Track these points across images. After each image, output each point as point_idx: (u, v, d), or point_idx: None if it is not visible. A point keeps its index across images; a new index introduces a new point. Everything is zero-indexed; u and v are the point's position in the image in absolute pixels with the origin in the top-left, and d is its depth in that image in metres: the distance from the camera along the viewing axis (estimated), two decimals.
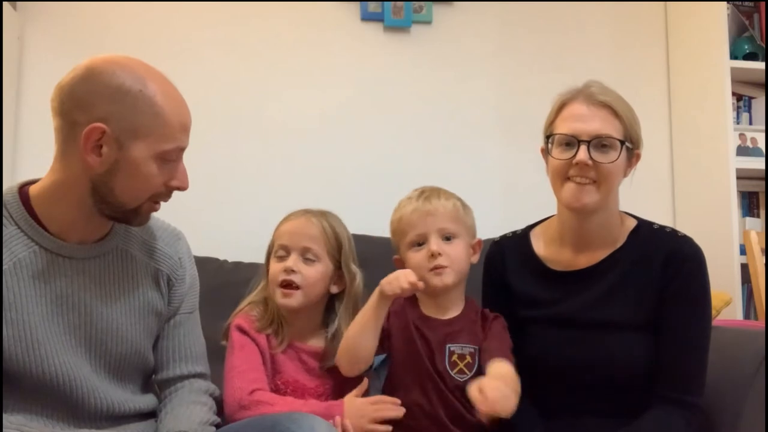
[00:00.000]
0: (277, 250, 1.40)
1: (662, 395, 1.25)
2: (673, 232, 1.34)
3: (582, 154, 1.26)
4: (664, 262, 1.29)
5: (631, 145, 1.30)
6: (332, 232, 1.43)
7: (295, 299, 1.36)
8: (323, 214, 1.45)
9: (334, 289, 1.42)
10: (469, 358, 1.30)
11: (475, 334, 1.33)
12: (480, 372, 1.24)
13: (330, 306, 1.44)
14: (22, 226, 1.10)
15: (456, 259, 1.32)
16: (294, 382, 1.37)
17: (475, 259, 1.39)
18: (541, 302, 1.36)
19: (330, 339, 1.40)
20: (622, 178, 1.32)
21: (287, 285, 1.36)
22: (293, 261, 1.37)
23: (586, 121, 1.28)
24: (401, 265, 1.36)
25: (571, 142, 1.28)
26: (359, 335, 1.27)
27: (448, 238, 1.33)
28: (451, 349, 1.30)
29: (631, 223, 1.37)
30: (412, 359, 1.30)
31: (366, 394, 1.35)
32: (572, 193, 1.29)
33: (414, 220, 1.33)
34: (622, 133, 1.28)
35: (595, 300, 1.31)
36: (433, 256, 1.30)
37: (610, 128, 1.28)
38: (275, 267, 1.38)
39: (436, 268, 1.30)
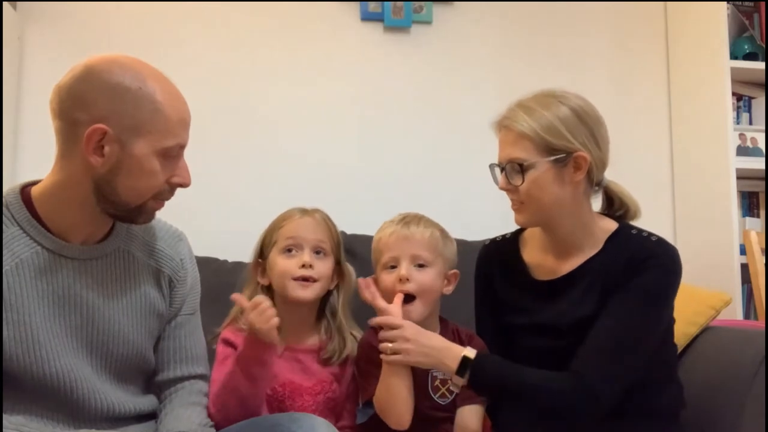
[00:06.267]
0: (285, 246, 1.40)
1: (569, 365, 1.23)
2: (649, 237, 1.31)
3: (500, 180, 1.33)
4: (627, 261, 1.26)
5: (560, 156, 1.25)
6: (334, 228, 1.46)
7: (312, 291, 1.38)
8: (321, 211, 1.47)
9: (331, 285, 1.44)
10: (450, 383, 1.34)
11: None
12: (458, 396, 1.32)
13: (322, 302, 1.45)
14: (24, 226, 1.09)
15: (425, 286, 1.32)
16: (290, 383, 1.37)
17: (449, 290, 1.39)
18: (523, 310, 1.37)
19: (327, 333, 1.43)
20: (568, 188, 1.28)
21: (305, 279, 1.37)
22: (309, 256, 1.38)
23: (501, 147, 1.32)
24: (376, 285, 1.37)
25: (499, 168, 1.33)
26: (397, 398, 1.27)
27: (420, 266, 1.34)
28: (434, 374, 1.35)
29: (611, 228, 1.34)
30: None
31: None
32: (514, 213, 1.35)
33: (390, 243, 1.35)
34: (533, 150, 1.26)
35: (568, 307, 1.31)
36: (401, 281, 1.31)
37: (517, 151, 1.27)
38: (287, 263, 1.38)
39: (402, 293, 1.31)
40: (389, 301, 1.32)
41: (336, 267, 1.44)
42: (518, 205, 1.32)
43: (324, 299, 1.45)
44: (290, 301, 1.38)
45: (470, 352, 1.24)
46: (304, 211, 1.45)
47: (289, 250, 1.39)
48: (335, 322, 1.43)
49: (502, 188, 1.33)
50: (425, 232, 1.35)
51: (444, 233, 1.39)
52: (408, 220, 1.37)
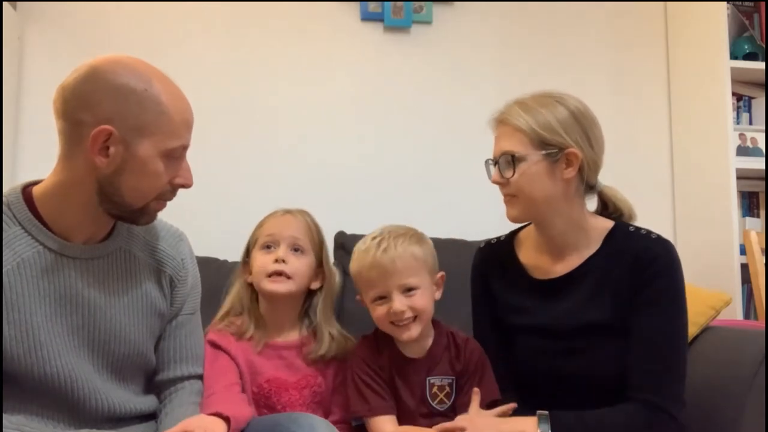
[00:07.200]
0: (264, 242, 1.41)
1: (629, 396, 1.24)
2: (647, 234, 1.33)
3: (492, 174, 1.34)
4: (633, 263, 1.28)
5: (552, 150, 1.27)
6: (315, 228, 1.46)
7: (284, 286, 1.37)
8: (304, 212, 1.47)
9: (314, 285, 1.44)
10: (447, 389, 1.35)
11: (451, 364, 1.36)
12: (456, 401, 1.33)
13: (306, 302, 1.45)
14: (26, 226, 1.10)
15: (421, 309, 1.31)
16: (275, 379, 1.37)
17: (438, 294, 1.37)
18: (523, 310, 1.37)
19: (308, 332, 1.43)
20: (559, 184, 1.29)
21: (278, 274, 1.37)
22: (283, 251, 1.39)
23: (496, 142, 1.35)
24: (364, 303, 1.37)
25: (493, 162, 1.35)
26: None
27: (409, 290, 1.31)
28: (431, 381, 1.34)
29: (607, 227, 1.35)
30: (396, 399, 1.33)
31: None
32: (505, 208, 1.35)
33: (373, 278, 1.31)
34: (527, 144, 1.28)
35: (573, 307, 1.31)
36: (396, 314, 1.29)
37: (511, 144, 1.29)
38: (263, 258, 1.39)
39: (400, 322, 1.30)
40: (385, 327, 1.33)
41: (317, 268, 1.44)
42: (509, 198, 1.33)
43: (308, 298, 1.45)
44: (265, 295, 1.39)
45: (542, 413, 1.22)
46: (287, 211, 1.46)
47: (268, 247, 1.40)
48: (315, 321, 1.43)
49: (494, 181, 1.34)
50: (404, 256, 1.30)
51: (419, 239, 1.36)
52: (384, 245, 1.31)
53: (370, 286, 1.32)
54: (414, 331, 1.31)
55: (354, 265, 1.36)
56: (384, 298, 1.32)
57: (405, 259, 1.30)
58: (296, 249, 1.40)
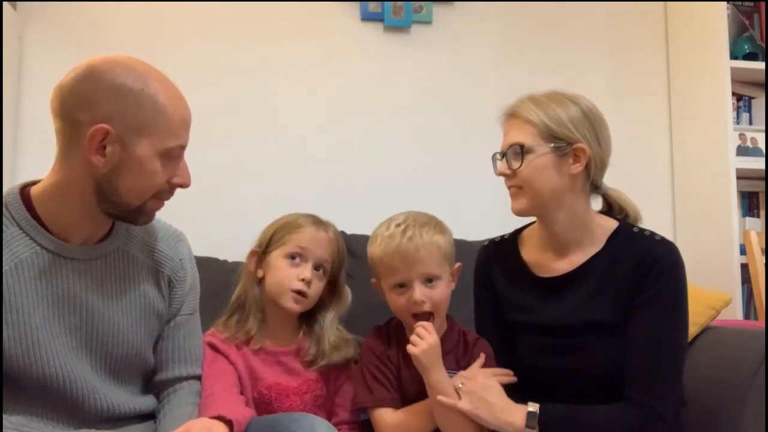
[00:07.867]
0: (291, 252, 1.39)
1: (625, 395, 1.25)
2: (651, 235, 1.33)
3: (499, 166, 1.35)
4: (636, 264, 1.28)
5: (561, 144, 1.29)
6: (342, 251, 1.47)
7: (302, 305, 1.39)
8: (334, 228, 1.47)
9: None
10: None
11: (457, 360, 1.36)
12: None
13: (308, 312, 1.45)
14: (24, 227, 1.10)
15: (439, 301, 1.32)
16: (276, 385, 1.37)
17: (453, 285, 1.37)
18: (525, 308, 1.38)
19: (307, 336, 1.43)
20: (566, 179, 1.30)
21: (300, 294, 1.38)
22: (309, 271, 1.39)
23: (505, 134, 1.36)
24: (380, 287, 1.38)
25: (500, 155, 1.36)
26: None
27: (430, 280, 1.31)
28: None
29: (611, 227, 1.36)
30: (401, 391, 1.34)
31: None
32: (510, 201, 1.35)
33: (396, 265, 1.31)
34: (536, 136, 1.29)
35: (575, 306, 1.32)
36: (416, 303, 1.30)
37: (520, 135, 1.31)
38: (288, 271, 1.38)
39: (421, 315, 1.30)
40: (405, 318, 1.33)
41: (330, 285, 1.45)
42: (515, 191, 1.33)
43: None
44: (277, 304, 1.39)
45: (533, 407, 1.23)
46: (319, 224, 1.44)
47: (293, 258, 1.39)
48: (320, 332, 1.42)
49: (500, 173, 1.34)
50: (429, 246, 1.30)
51: (442, 229, 1.36)
52: (410, 234, 1.31)
53: (391, 273, 1.32)
54: (435, 328, 1.30)
55: (376, 249, 1.35)
56: (404, 286, 1.32)
57: (429, 248, 1.31)
58: (318, 268, 1.41)
